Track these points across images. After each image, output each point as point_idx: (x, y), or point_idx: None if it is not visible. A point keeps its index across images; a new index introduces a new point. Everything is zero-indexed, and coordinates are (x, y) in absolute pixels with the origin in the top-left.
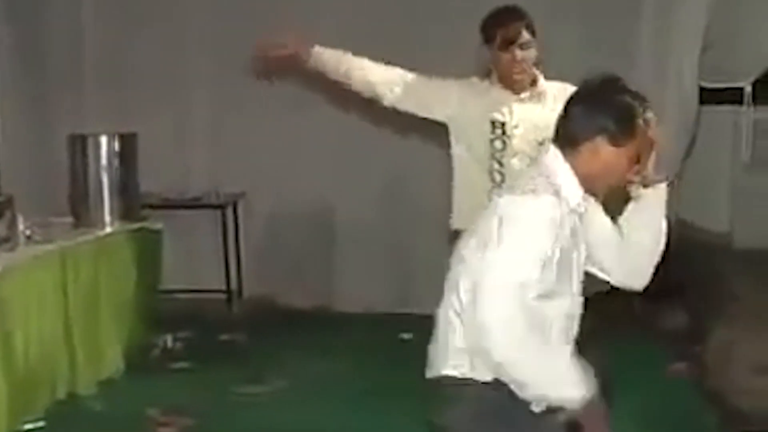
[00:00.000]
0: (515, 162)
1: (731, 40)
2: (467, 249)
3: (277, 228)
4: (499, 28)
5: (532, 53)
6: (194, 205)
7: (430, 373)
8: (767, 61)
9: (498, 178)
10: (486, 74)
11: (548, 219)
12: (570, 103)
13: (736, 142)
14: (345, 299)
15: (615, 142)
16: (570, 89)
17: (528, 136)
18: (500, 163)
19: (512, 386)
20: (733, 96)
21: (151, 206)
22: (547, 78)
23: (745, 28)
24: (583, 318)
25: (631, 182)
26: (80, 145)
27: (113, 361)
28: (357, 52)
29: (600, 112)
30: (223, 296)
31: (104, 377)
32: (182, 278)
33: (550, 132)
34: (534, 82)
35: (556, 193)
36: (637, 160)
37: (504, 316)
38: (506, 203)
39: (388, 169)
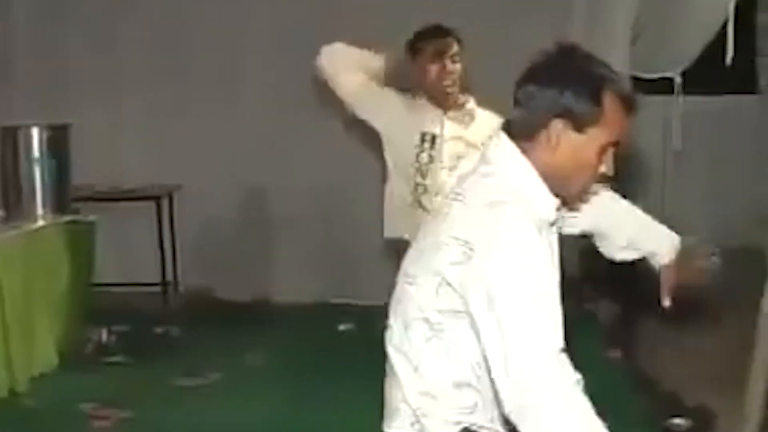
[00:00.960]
0: (443, 175)
1: (661, 31)
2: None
3: (214, 220)
4: (430, 41)
5: (459, 67)
6: (129, 197)
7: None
8: (696, 52)
9: (420, 190)
10: (413, 92)
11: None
12: (520, 83)
13: (667, 130)
14: (282, 291)
15: (579, 126)
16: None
17: (457, 151)
18: (423, 176)
19: None
20: (664, 86)
21: (85, 199)
22: (477, 85)
23: (674, 18)
24: None
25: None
26: (11, 137)
27: (47, 357)
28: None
29: (556, 89)
30: (159, 289)
31: (38, 373)
32: (117, 271)
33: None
34: (463, 103)
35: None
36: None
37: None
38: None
39: (321, 163)
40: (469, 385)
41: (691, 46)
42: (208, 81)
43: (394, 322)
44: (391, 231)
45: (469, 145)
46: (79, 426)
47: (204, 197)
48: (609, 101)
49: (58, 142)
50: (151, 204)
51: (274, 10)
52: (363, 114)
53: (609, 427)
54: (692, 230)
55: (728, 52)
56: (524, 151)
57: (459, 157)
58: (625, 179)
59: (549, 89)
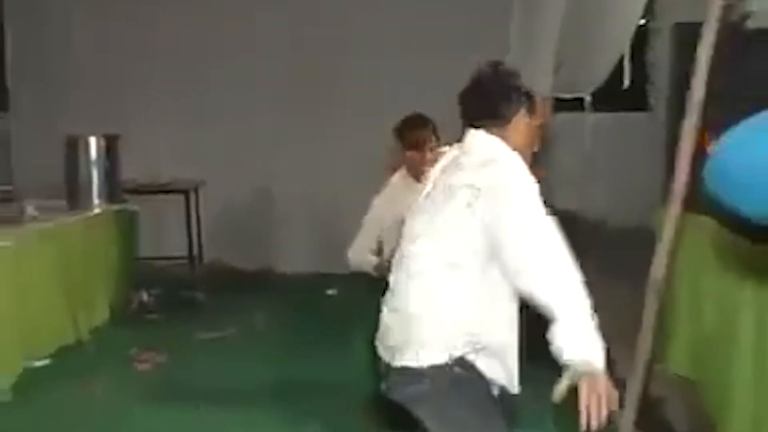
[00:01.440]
0: None
1: (575, 62)
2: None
3: (230, 207)
4: (413, 133)
5: (429, 148)
6: (163, 190)
7: (402, 362)
8: (602, 78)
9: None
10: (398, 166)
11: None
12: (477, 89)
13: (580, 139)
14: (283, 263)
15: (530, 112)
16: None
17: None
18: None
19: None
20: (577, 105)
21: (130, 192)
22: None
23: (584, 51)
24: None
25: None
26: (74, 145)
27: (102, 314)
28: None
29: (515, 90)
30: (186, 261)
31: (95, 326)
32: (154, 247)
33: None
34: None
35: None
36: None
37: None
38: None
39: (316, 165)
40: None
41: (598, 73)
42: (226, 94)
43: (403, 276)
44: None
45: None
46: (126, 366)
47: (222, 190)
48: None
49: (110, 148)
50: (181, 196)
51: (286, 29)
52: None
53: (526, 370)
54: (600, 214)
55: (625, 79)
56: (496, 135)
57: None
58: (550, 176)
59: (511, 90)
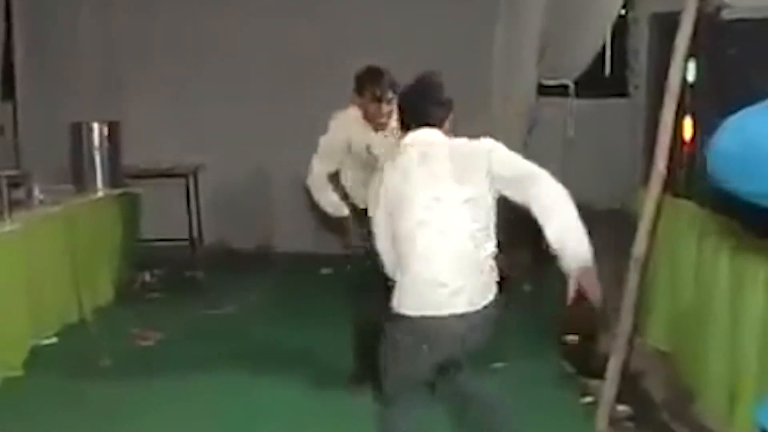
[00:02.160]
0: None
1: (560, 49)
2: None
3: (228, 190)
4: (371, 87)
5: (392, 105)
6: (164, 174)
7: (473, 307)
8: (584, 66)
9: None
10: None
11: None
12: (426, 95)
13: (563, 123)
14: (280, 243)
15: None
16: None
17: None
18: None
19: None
20: (561, 91)
21: (132, 176)
22: None
23: (568, 40)
24: None
25: None
26: (79, 131)
27: (106, 293)
28: None
29: (447, 98)
30: (187, 243)
31: (99, 305)
32: (156, 229)
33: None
34: (389, 125)
35: None
36: None
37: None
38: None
39: (310, 141)
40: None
41: (580, 62)
42: (224, 80)
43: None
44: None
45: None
46: (129, 343)
47: (221, 173)
48: None
49: (112, 133)
50: (181, 179)
51: (284, 17)
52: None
53: (519, 344)
54: (582, 197)
55: (607, 66)
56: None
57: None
58: (534, 159)
59: (445, 98)
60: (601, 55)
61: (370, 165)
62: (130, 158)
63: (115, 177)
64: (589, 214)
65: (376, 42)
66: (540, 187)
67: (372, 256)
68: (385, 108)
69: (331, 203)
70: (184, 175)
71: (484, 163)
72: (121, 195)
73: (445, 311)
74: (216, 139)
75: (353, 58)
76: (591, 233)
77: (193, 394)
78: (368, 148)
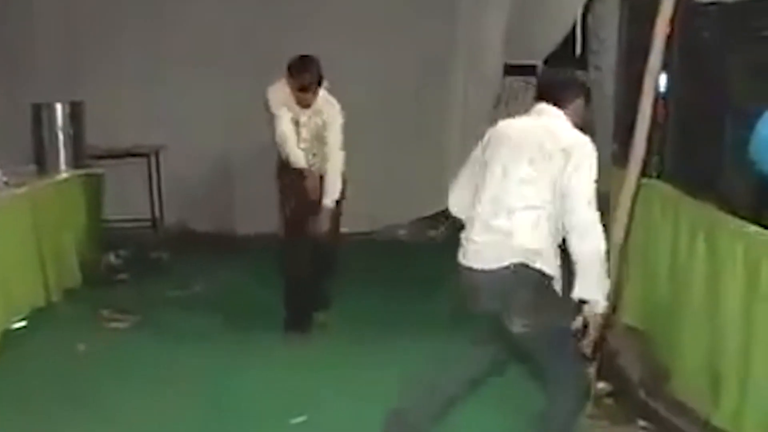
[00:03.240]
0: (304, 145)
1: (528, 30)
2: (526, 175)
3: (190, 171)
4: (298, 76)
5: (314, 90)
6: (127, 154)
7: (499, 264)
8: (553, 46)
9: (300, 146)
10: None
11: None
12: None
13: (531, 103)
14: (242, 224)
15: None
16: (328, 98)
17: (310, 133)
18: (298, 136)
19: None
20: (530, 70)
21: (95, 156)
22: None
23: (537, 21)
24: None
25: None
26: (40, 112)
27: (73, 275)
28: None
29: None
30: (149, 223)
31: (67, 288)
32: (118, 210)
33: (322, 130)
34: (312, 105)
35: None
36: None
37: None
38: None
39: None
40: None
41: (549, 43)
42: (186, 64)
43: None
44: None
45: (317, 127)
46: (99, 326)
47: (183, 153)
48: None
49: (75, 114)
50: (144, 159)
51: (240, 3)
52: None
53: None
54: None
55: (577, 47)
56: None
57: (315, 131)
58: None
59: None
60: (572, 35)
61: (298, 136)
62: (91, 138)
63: (78, 158)
64: None
65: (335, 29)
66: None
67: (296, 216)
68: (309, 96)
69: (298, 155)
70: (146, 155)
71: (560, 160)
72: (85, 176)
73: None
74: (178, 119)
75: (313, 44)
76: None
77: (170, 375)
78: (296, 122)
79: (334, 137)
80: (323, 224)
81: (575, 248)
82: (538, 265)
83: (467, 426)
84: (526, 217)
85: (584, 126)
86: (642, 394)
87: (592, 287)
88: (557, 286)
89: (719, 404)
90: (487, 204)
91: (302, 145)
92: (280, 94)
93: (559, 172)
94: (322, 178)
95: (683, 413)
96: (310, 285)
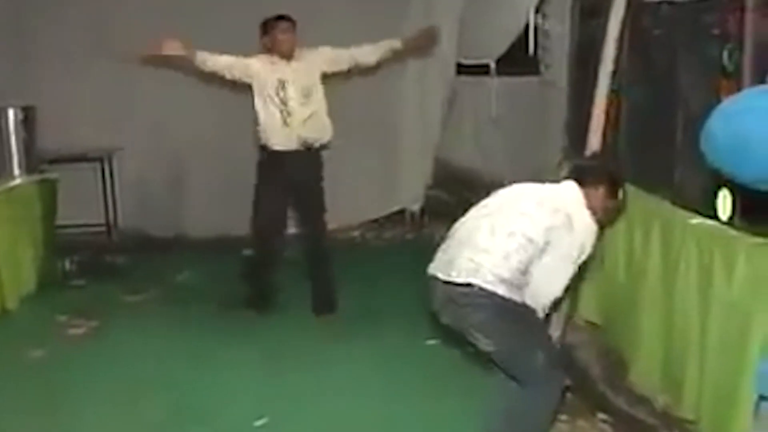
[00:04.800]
0: (293, 103)
1: (481, 30)
2: (527, 209)
3: (144, 175)
4: (276, 23)
5: (292, 36)
6: (80, 158)
7: (458, 278)
8: (506, 45)
9: (285, 114)
10: (268, 51)
11: None
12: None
13: (485, 102)
14: (196, 228)
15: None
16: (317, 50)
17: (300, 86)
18: (285, 104)
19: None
20: (483, 70)
21: (48, 161)
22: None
23: (489, 21)
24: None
25: None
26: None
27: (29, 282)
28: None
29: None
30: (103, 228)
31: (23, 295)
32: (73, 215)
33: (311, 80)
34: (296, 54)
35: None
36: None
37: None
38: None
39: (221, 125)
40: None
41: (502, 43)
42: (137, 70)
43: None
44: (267, 141)
45: (306, 76)
46: (58, 332)
47: (136, 157)
48: None
49: (27, 119)
50: (97, 164)
51: (194, 4)
52: (238, 75)
53: None
54: (503, 171)
55: (531, 46)
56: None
57: (304, 83)
58: (452, 138)
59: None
60: (525, 34)
61: (284, 104)
62: (43, 142)
63: (31, 163)
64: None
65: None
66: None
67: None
68: (292, 38)
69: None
70: (99, 159)
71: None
72: (38, 181)
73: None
74: (131, 123)
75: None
76: None
77: (129, 381)
78: (282, 84)
79: (334, 49)
80: (317, 213)
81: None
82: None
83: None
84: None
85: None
86: (601, 387)
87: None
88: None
89: (678, 395)
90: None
91: (292, 109)
92: (254, 60)
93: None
94: (315, 151)
95: (643, 405)
96: (276, 261)
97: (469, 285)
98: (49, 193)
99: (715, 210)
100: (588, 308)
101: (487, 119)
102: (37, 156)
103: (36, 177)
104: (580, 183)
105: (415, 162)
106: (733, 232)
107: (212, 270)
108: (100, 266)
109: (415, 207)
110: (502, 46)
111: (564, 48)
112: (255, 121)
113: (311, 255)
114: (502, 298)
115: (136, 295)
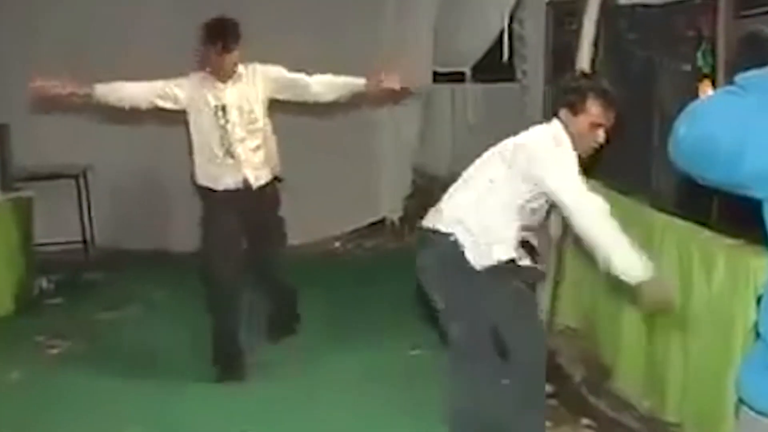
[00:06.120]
0: (236, 131)
1: (455, 38)
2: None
3: (120, 190)
4: (217, 36)
5: (236, 53)
6: (53, 176)
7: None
8: (481, 52)
9: (226, 144)
10: (204, 65)
11: None
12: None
13: (461, 110)
14: (177, 243)
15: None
16: (270, 69)
17: (241, 109)
18: (225, 130)
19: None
20: (459, 77)
21: (22, 179)
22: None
23: (464, 28)
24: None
25: None
26: None
27: (5, 302)
28: None
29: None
30: (80, 245)
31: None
32: (49, 233)
33: (257, 104)
34: (237, 72)
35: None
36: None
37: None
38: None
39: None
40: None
41: (476, 49)
42: (109, 79)
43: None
44: (204, 181)
45: (251, 100)
46: (35, 353)
47: (111, 173)
48: None
49: (1, 137)
50: (71, 180)
51: (167, 16)
52: (165, 104)
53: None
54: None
55: (505, 52)
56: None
57: (245, 103)
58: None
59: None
60: (500, 40)
61: (222, 128)
62: (16, 160)
63: (6, 181)
64: None
65: (261, 37)
66: None
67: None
68: (234, 57)
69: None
70: (74, 176)
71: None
72: (13, 199)
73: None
74: (104, 138)
75: (240, 50)
76: None
77: (107, 400)
78: (222, 107)
79: (289, 73)
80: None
81: None
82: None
83: None
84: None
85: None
86: (584, 392)
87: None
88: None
89: (661, 398)
90: None
91: (234, 134)
92: (186, 82)
93: None
94: (263, 189)
95: (626, 409)
96: (238, 307)
97: (434, 231)
98: (24, 211)
99: (694, 211)
100: (568, 313)
101: (463, 127)
102: (11, 174)
103: (11, 195)
104: (567, 107)
105: (393, 171)
106: (711, 233)
107: (193, 286)
108: (77, 284)
109: (395, 216)
110: (477, 53)
111: (540, 53)
112: (190, 154)
113: (265, 280)
114: (455, 243)
115: (114, 313)
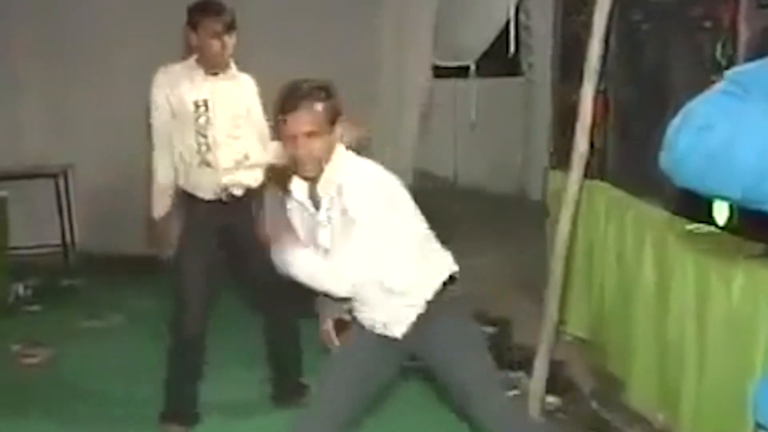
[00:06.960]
0: (218, 134)
1: (459, 32)
2: None
3: (101, 190)
4: (210, 18)
5: (233, 40)
6: (31, 175)
7: None
8: (484, 47)
9: (204, 148)
10: (188, 53)
11: None
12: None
13: (464, 107)
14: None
15: None
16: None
17: (226, 113)
18: (204, 135)
19: None
20: (462, 72)
21: None
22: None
23: (467, 22)
24: None
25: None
26: None
27: None
28: None
29: None
30: (60, 249)
31: None
32: (26, 236)
33: (242, 108)
34: (228, 65)
35: None
36: None
37: None
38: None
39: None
40: None
41: (480, 44)
42: (87, 79)
43: None
44: (189, 189)
45: (235, 103)
46: (10, 363)
47: (92, 172)
48: None
49: None
50: (50, 180)
51: (148, 17)
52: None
53: None
54: (479, 180)
55: (511, 46)
56: None
57: (231, 107)
58: (428, 145)
59: None
60: (505, 33)
61: (202, 129)
62: None
63: None
64: (483, 198)
65: (257, 37)
66: None
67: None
68: (228, 42)
69: (166, 173)
70: (53, 176)
71: None
72: None
73: None
74: (84, 137)
75: (234, 49)
76: (487, 217)
77: (87, 413)
78: (204, 102)
79: (258, 113)
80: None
81: None
82: None
83: None
84: None
85: None
86: (594, 405)
87: None
88: None
89: (675, 411)
90: None
91: (215, 141)
92: (164, 80)
93: None
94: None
95: (639, 423)
96: (200, 352)
97: None
98: None
99: (711, 216)
100: (577, 323)
101: (465, 124)
102: None
103: None
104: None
105: (390, 172)
106: (731, 239)
107: None
108: (56, 290)
109: None
110: (481, 47)
111: (548, 45)
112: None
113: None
114: None
115: (95, 320)
